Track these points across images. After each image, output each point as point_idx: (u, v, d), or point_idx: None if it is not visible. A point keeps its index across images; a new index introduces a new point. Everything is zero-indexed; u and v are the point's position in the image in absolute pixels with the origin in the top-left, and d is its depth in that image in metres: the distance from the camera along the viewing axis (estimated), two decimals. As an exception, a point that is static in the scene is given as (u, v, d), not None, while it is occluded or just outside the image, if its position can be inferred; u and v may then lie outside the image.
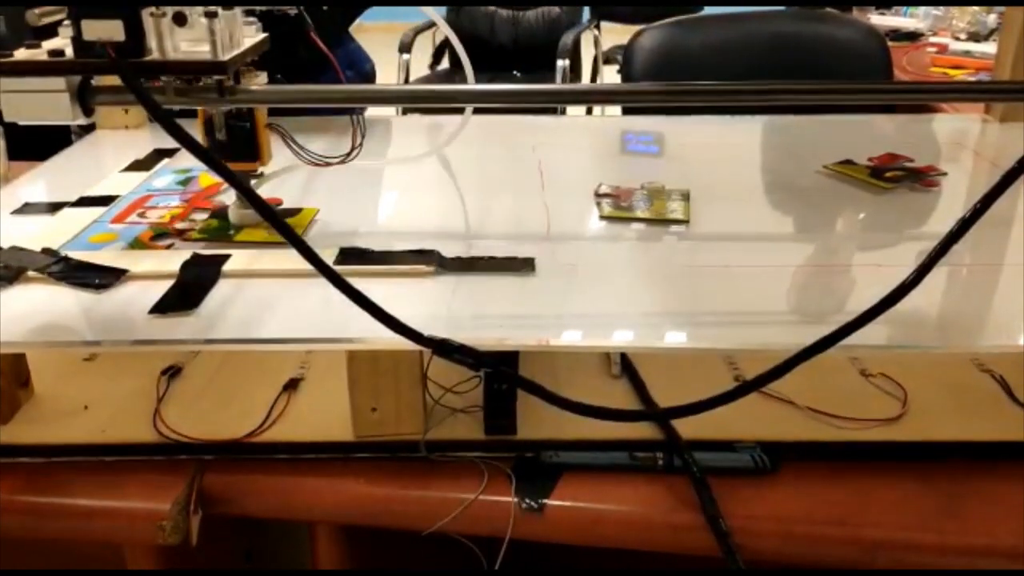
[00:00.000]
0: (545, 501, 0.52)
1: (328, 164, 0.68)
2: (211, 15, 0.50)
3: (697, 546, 0.51)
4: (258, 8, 0.58)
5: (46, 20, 0.49)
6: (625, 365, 0.62)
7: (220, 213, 0.69)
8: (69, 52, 0.49)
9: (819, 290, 0.61)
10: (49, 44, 0.50)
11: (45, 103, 0.49)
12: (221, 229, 0.66)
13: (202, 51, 0.51)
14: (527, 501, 0.52)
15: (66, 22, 0.48)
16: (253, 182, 0.66)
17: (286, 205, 0.71)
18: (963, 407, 0.58)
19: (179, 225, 0.67)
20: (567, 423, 0.56)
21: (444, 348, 0.48)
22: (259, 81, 0.60)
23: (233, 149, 0.63)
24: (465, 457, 0.55)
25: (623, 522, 0.52)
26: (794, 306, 0.59)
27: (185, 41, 0.51)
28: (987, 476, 0.53)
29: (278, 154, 0.67)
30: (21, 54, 0.49)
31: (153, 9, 0.49)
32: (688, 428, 0.55)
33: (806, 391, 0.59)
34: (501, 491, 0.53)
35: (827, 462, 0.55)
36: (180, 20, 0.49)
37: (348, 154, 0.68)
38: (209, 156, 0.47)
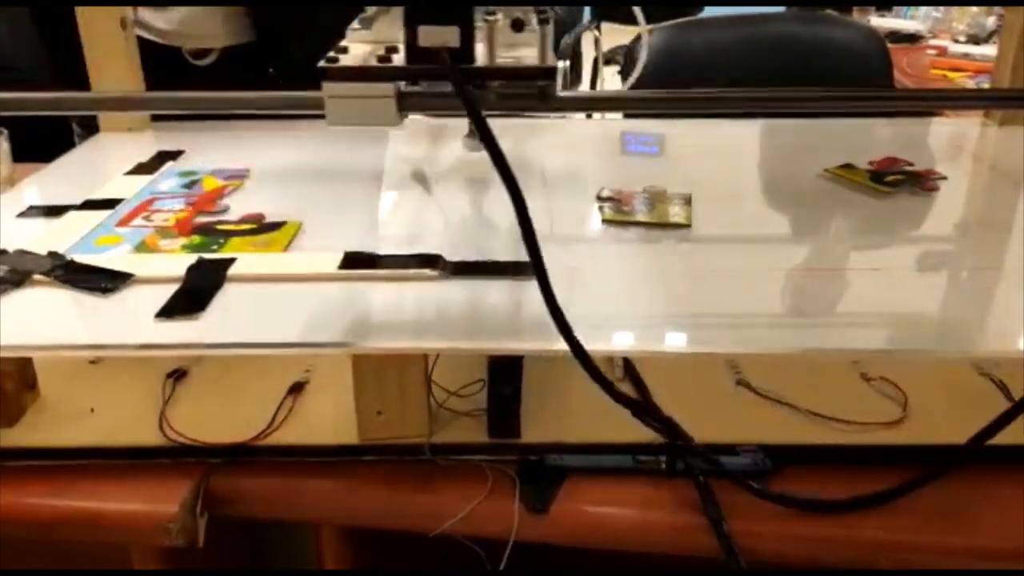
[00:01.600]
0: (549, 504, 0.52)
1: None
2: (544, 21, 0.49)
3: (700, 548, 0.51)
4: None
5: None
6: (628, 369, 0.62)
7: (204, 229, 0.68)
8: (398, 59, 0.49)
9: (821, 294, 0.61)
10: (357, 50, 0.51)
11: (370, 109, 0.49)
12: (205, 245, 0.65)
13: (525, 56, 0.51)
14: (531, 504, 0.52)
15: (355, 26, 0.49)
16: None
17: (272, 215, 0.70)
18: (964, 411, 0.59)
19: (163, 242, 0.66)
20: (571, 426, 0.57)
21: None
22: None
23: None
24: (470, 460, 0.55)
25: (627, 525, 0.52)
26: (797, 310, 0.60)
27: (504, 47, 0.51)
28: (987, 480, 0.54)
29: (263, 154, 0.64)
30: (347, 59, 0.50)
31: (487, 15, 0.49)
32: (691, 431, 0.55)
33: (807, 394, 0.60)
34: (505, 494, 0.53)
35: (828, 465, 0.55)
36: (518, 26, 0.49)
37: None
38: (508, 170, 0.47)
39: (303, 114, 0.54)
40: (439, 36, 0.47)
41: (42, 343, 0.54)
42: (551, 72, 0.49)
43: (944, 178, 0.79)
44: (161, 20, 1.06)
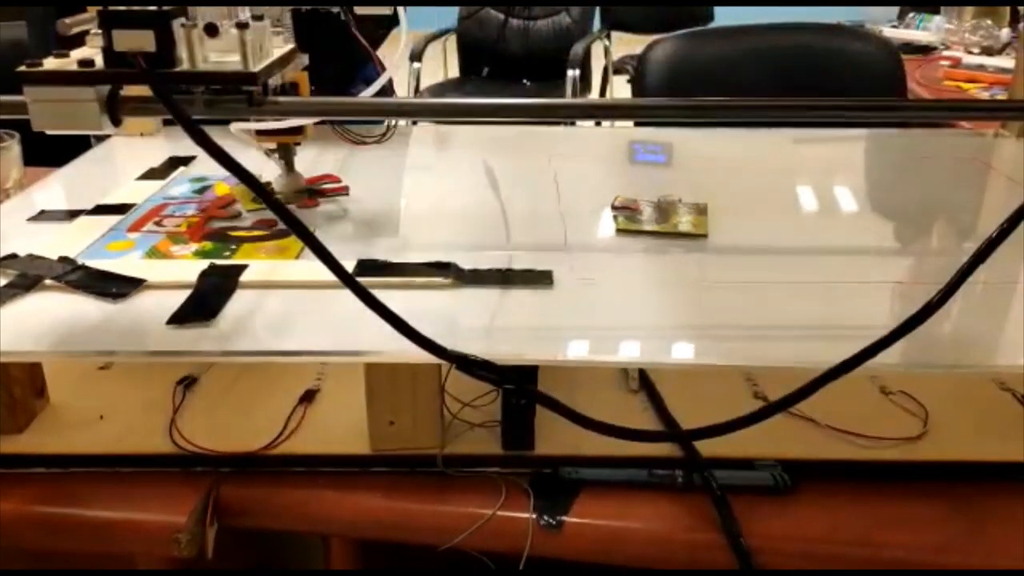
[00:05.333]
0: (563, 518, 0.52)
1: (364, 143, 0.82)
2: (242, 26, 0.49)
3: (717, 564, 0.50)
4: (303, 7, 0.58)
5: (76, 29, 0.48)
6: (643, 380, 0.62)
7: (215, 236, 0.67)
8: (99, 62, 0.49)
9: (838, 306, 0.60)
10: (77, 53, 0.50)
11: (74, 113, 0.49)
12: (216, 252, 0.65)
13: (232, 61, 0.51)
14: (545, 517, 0.52)
15: (94, 31, 0.48)
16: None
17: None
18: (984, 426, 0.58)
19: (175, 248, 0.65)
20: (586, 439, 0.56)
21: (466, 363, 0.48)
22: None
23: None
24: (483, 472, 0.54)
25: (642, 540, 0.51)
26: (812, 322, 0.59)
27: (215, 52, 0.51)
28: (1010, 497, 0.53)
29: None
30: (50, 63, 0.49)
31: (184, 20, 0.49)
32: (707, 446, 0.55)
33: (826, 409, 0.59)
34: (519, 507, 0.52)
35: (848, 481, 0.54)
36: (212, 31, 0.49)
37: (383, 135, 0.83)
38: (237, 165, 0.47)
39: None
40: (135, 41, 0.47)
41: (52, 349, 0.54)
42: (253, 77, 0.50)
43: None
44: None
